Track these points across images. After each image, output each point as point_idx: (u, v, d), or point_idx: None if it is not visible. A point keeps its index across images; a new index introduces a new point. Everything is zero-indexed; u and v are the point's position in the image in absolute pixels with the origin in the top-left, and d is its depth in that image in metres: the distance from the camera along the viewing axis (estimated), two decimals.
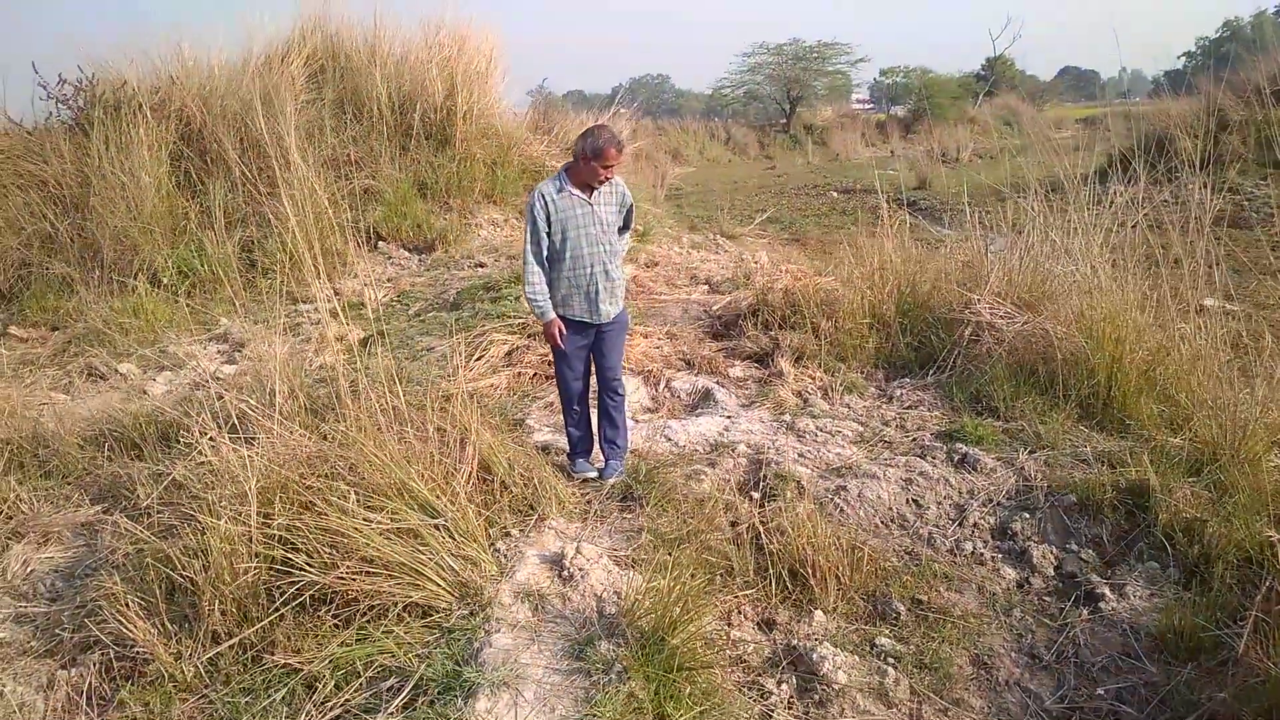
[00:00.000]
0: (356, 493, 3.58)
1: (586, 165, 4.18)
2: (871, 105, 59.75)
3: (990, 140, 35.27)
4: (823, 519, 4.07)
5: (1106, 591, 3.65)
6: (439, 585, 3.42)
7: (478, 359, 6.06)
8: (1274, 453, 4.29)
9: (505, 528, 3.97)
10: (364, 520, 3.43)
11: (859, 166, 30.40)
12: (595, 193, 4.30)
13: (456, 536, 3.58)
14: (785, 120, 43.61)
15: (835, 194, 21.63)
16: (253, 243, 9.10)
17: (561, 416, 4.73)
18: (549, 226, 4.24)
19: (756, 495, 4.42)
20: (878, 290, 6.60)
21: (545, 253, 4.29)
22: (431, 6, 16.48)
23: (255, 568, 3.37)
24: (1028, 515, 4.19)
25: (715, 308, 7.18)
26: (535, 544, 3.87)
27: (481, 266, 8.67)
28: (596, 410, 4.74)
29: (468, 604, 3.40)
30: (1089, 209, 6.29)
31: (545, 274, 4.32)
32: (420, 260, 9.61)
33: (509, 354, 6.20)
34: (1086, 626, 3.52)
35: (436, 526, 3.56)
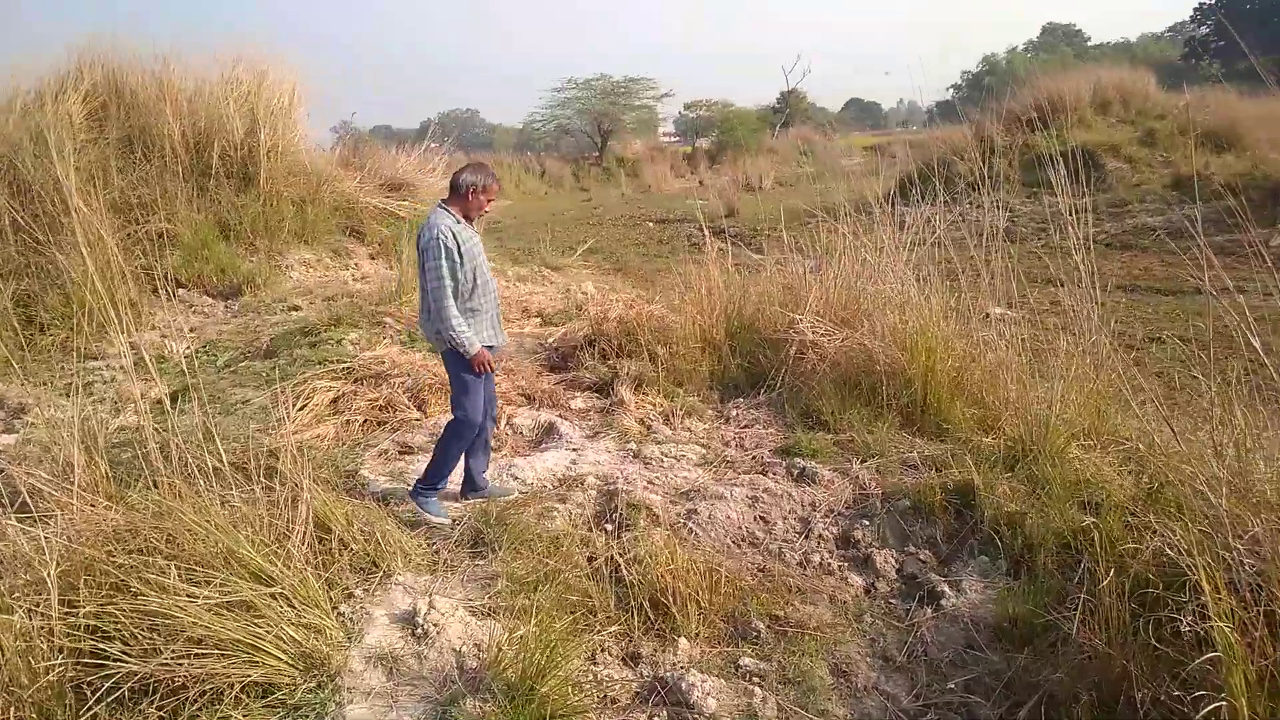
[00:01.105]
0: (177, 567, 3.23)
1: (474, 198, 4.37)
2: (678, 138, 61.82)
3: (789, 168, 37.45)
4: (678, 545, 4.08)
5: (946, 589, 3.86)
6: (280, 659, 3.13)
7: (301, 409, 5.69)
8: (1074, 444, 4.71)
9: (348, 589, 3.71)
10: (188, 597, 3.10)
11: (671, 197, 31.40)
12: (473, 223, 4.49)
13: (296, 604, 3.31)
14: (598, 153, 44.36)
15: (651, 224, 22.10)
16: (30, 296, 8.18)
17: (428, 463, 4.52)
18: (461, 260, 4.25)
19: (611, 527, 4.37)
20: (707, 315, 6.76)
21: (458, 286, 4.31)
22: (225, 41, 15.60)
23: (59, 664, 2.97)
24: (867, 522, 4.37)
25: (551, 340, 7.12)
26: (383, 603, 3.64)
27: (296, 310, 8.21)
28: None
29: (314, 676, 3.13)
30: (891, 229, 6.74)
31: None
32: (227, 307, 8.99)
33: (335, 401, 5.86)
34: (931, 624, 3.70)
35: (273, 595, 3.27)
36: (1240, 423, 3.52)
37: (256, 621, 3.16)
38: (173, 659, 2.96)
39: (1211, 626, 2.56)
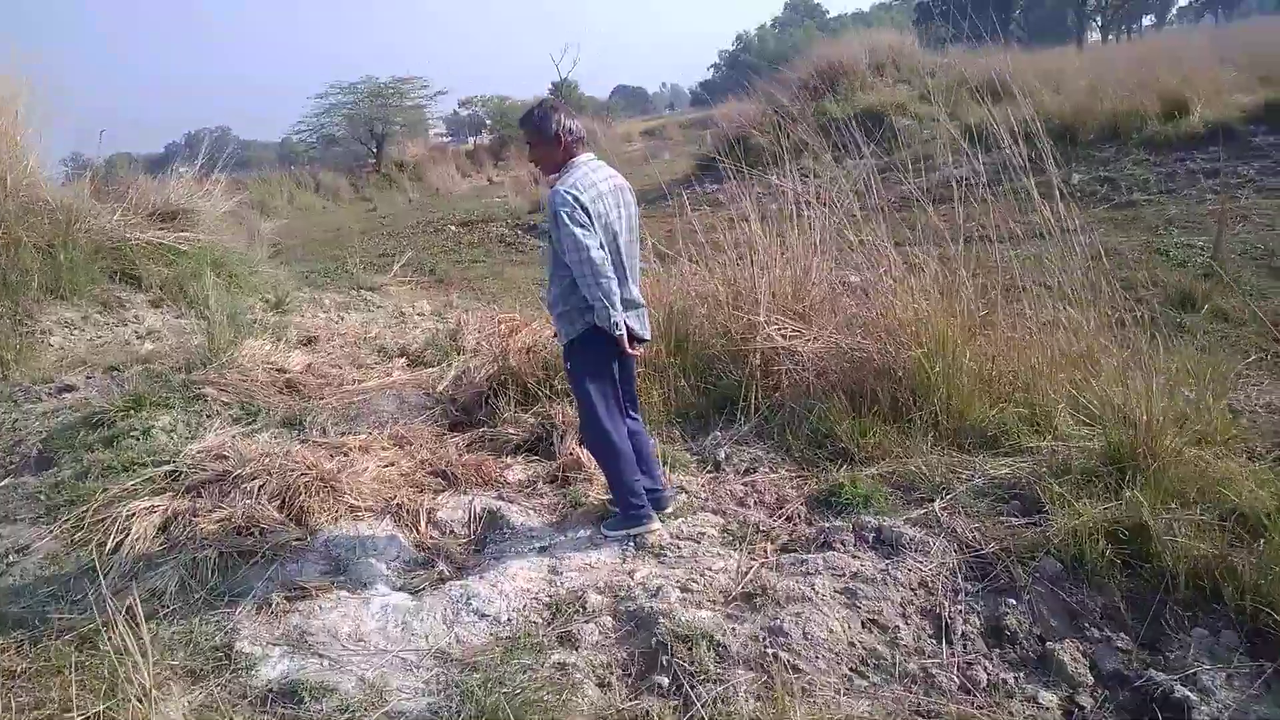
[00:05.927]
0: None
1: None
2: (451, 137, 59.26)
3: None
4: (788, 699, 2.66)
5: (1186, 692, 2.67)
6: None
7: (114, 551, 3.71)
8: (1189, 449, 3.71)
9: None
10: None
11: (463, 197, 29.72)
12: None
13: None
14: (375, 160, 41.17)
15: (454, 228, 20.31)
16: None
17: None
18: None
19: (665, 681, 2.87)
20: None
21: None
22: None
23: None
24: (1013, 601, 3.13)
25: (441, 387, 5.39)
26: None
27: (70, 390, 5.88)
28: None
29: None
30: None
31: None
32: None
33: (165, 528, 3.89)
34: None
35: None
36: None
37: None
38: None
39: None
